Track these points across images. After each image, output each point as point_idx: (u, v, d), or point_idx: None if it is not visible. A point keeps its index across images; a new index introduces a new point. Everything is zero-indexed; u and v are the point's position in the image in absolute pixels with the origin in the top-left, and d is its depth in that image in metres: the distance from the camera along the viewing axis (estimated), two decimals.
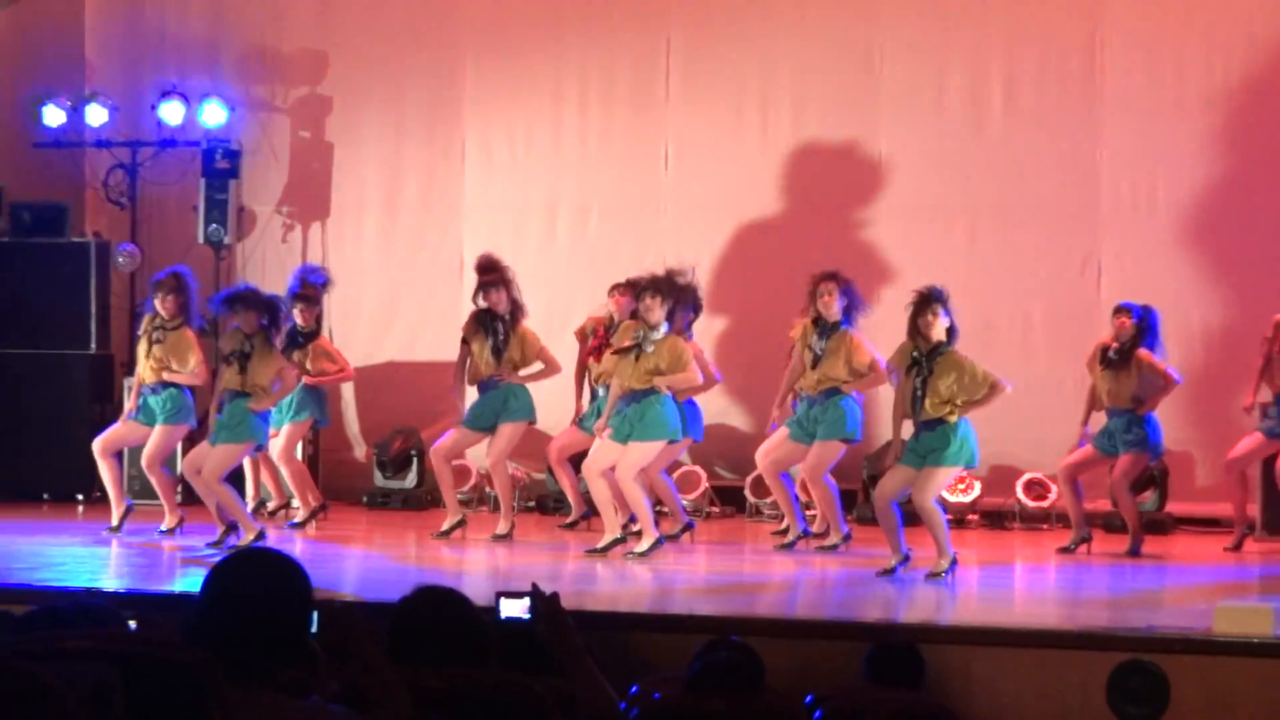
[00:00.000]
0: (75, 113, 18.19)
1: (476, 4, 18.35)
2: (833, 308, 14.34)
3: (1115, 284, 16.33)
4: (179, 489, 15.08)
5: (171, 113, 18.05)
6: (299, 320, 15.79)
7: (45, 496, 17.14)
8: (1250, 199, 16.70)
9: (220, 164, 18.12)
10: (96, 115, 18.18)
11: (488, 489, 17.00)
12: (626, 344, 14.04)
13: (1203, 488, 16.61)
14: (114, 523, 14.91)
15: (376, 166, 18.62)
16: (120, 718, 4.83)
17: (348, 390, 18.21)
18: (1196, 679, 10.03)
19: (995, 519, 16.55)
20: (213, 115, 18.13)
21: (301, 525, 15.56)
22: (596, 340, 15.41)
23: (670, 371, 13.82)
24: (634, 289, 14.58)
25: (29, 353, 17.63)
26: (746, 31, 17.76)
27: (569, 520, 15.76)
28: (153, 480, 14.80)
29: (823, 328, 14.38)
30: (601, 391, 14.88)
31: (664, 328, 13.90)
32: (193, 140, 18.24)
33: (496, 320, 14.97)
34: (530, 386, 15.07)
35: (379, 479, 17.58)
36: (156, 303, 14.79)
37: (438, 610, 6.29)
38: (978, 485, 16.40)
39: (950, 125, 17.44)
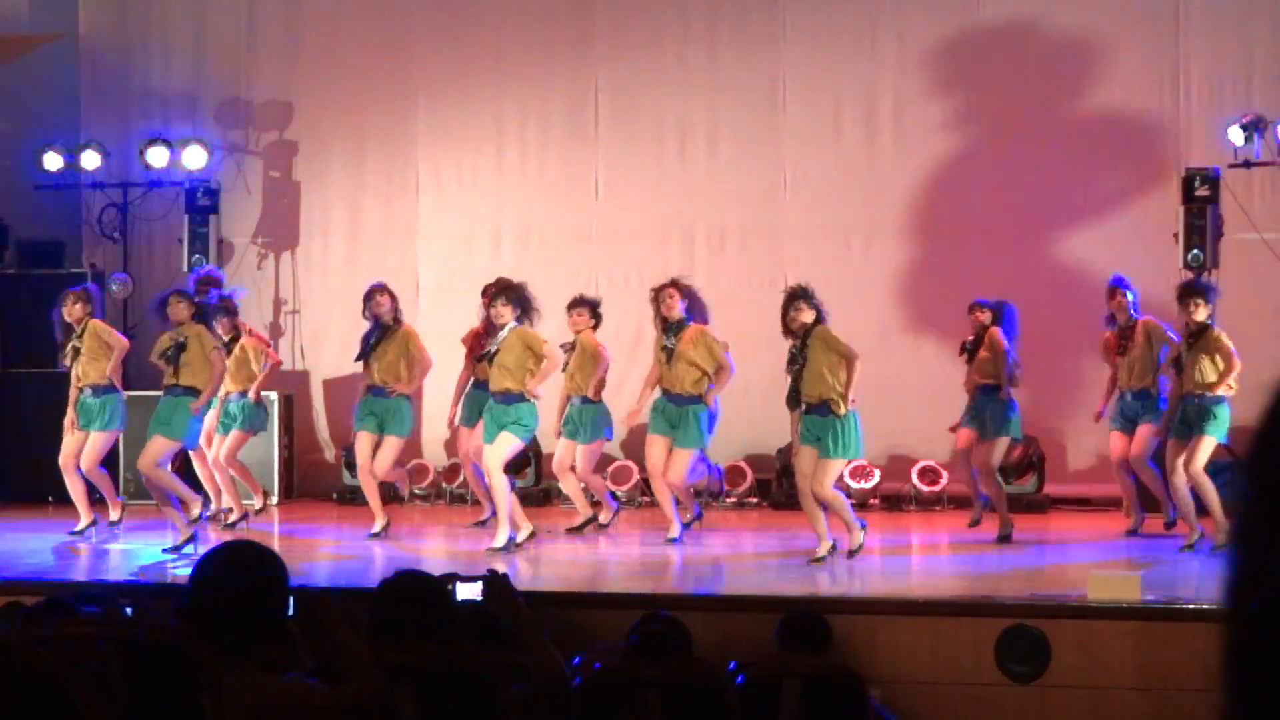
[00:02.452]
0: (71, 158, 18.08)
1: (426, 55, 18.32)
2: (675, 310, 14.00)
3: (993, 291, 16.33)
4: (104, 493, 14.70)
5: (157, 157, 17.99)
6: (221, 330, 14.89)
7: (50, 499, 16.99)
8: (1100, 210, 16.76)
9: (201, 201, 18.08)
10: (90, 160, 18.07)
11: (444, 484, 17.04)
12: (488, 351, 13.57)
13: (1074, 471, 16.66)
14: (79, 526, 14.53)
15: (339, 200, 18.57)
16: (120, 694, 4.79)
17: (319, 399, 18.21)
18: (1073, 640, 10.07)
19: (893, 502, 16.54)
20: (194, 158, 18.06)
21: (234, 525, 14.87)
22: (473, 341, 14.98)
23: (524, 359, 13.25)
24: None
25: (34, 371, 17.51)
26: (665, 73, 17.77)
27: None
28: (94, 480, 14.38)
29: (669, 327, 14.01)
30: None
31: (512, 324, 13.33)
32: (176, 181, 18.17)
33: (383, 330, 14.35)
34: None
35: (346, 478, 17.48)
36: (65, 314, 14.35)
37: (414, 591, 6.28)
38: (877, 473, 16.40)
39: (845, 153, 17.45)
